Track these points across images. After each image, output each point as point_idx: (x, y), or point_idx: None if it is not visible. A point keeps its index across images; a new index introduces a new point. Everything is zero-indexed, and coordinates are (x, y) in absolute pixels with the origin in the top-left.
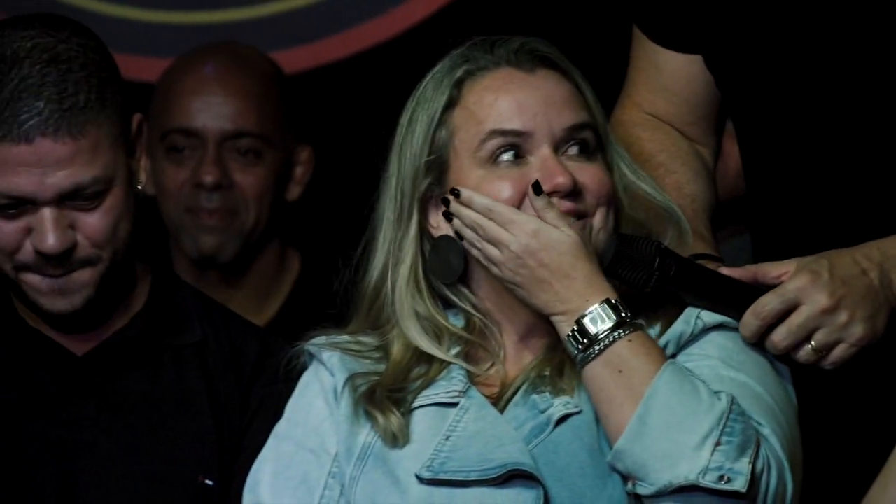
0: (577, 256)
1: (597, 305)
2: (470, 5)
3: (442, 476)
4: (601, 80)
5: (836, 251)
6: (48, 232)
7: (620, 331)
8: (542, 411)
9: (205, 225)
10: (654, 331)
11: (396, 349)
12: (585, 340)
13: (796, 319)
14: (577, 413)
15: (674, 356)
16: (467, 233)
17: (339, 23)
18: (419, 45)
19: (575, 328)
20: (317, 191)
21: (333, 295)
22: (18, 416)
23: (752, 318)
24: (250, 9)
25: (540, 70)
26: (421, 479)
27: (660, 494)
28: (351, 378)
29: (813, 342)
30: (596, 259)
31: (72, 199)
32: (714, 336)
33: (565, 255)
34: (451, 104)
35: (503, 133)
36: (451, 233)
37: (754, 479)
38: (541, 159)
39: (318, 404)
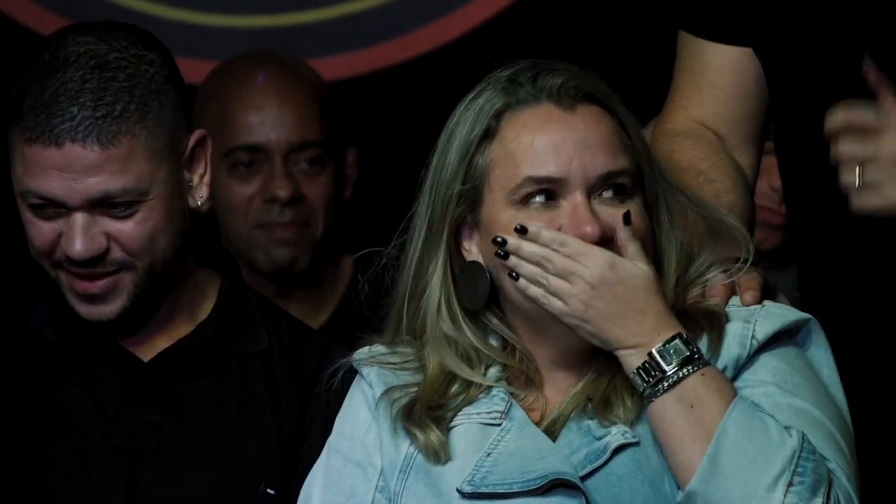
0: (651, 292)
1: (669, 340)
2: (530, 8)
3: (483, 489)
4: (648, 95)
5: None
6: (75, 237)
7: (692, 365)
8: (598, 438)
9: (279, 239)
10: (706, 350)
11: (433, 365)
12: (657, 374)
13: (870, 144)
14: (635, 444)
15: (732, 380)
16: (528, 268)
17: (399, 27)
18: (478, 47)
19: (647, 360)
20: (371, 194)
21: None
22: (84, 422)
23: (841, 113)
24: (311, 12)
25: (581, 107)
26: (462, 494)
27: None
28: (386, 392)
29: (861, 170)
30: (664, 294)
31: (102, 206)
32: (766, 358)
33: (640, 289)
34: (488, 135)
35: (537, 181)
36: (480, 259)
37: None
38: (572, 205)
39: (363, 416)
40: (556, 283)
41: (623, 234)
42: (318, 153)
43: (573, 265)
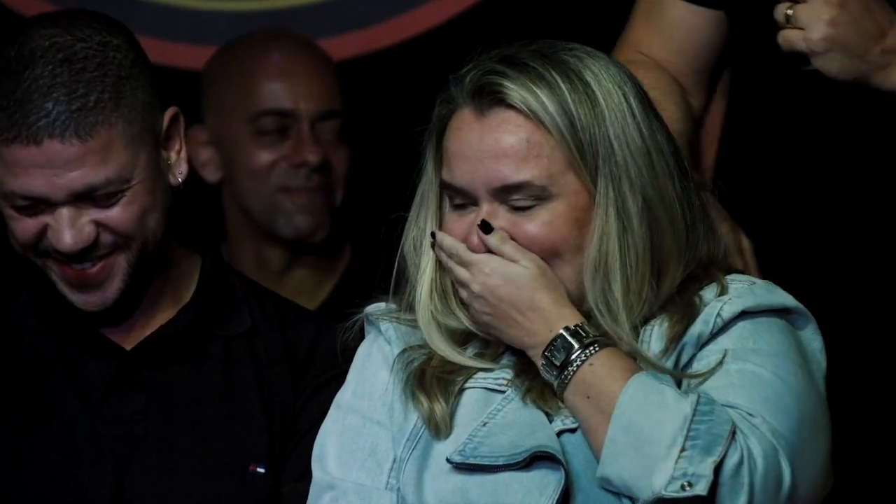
0: (537, 288)
1: (559, 334)
2: None
3: (472, 460)
4: None
5: None
6: (63, 231)
7: (583, 354)
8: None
9: (303, 205)
10: (665, 331)
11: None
12: (555, 371)
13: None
14: (574, 430)
15: (692, 357)
16: (449, 270)
17: (390, 9)
18: (470, 29)
19: (543, 362)
20: (366, 176)
21: (384, 277)
22: (69, 411)
23: None
24: None
25: (494, 112)
26: (452, 464)
27: None
28: (402, 352)
29: (791, 13)
30: (560, 284)
31: (86, 198)
32: (734, 328)
33: (524, 288)
34: (439, 137)
35: (446, 186)
36: None
37: (723, 475)
38: (475, 215)
39: (383, 376)
40: (459, 288)
41: (492, 241)
42: (340, 124)
43: (464, 274)
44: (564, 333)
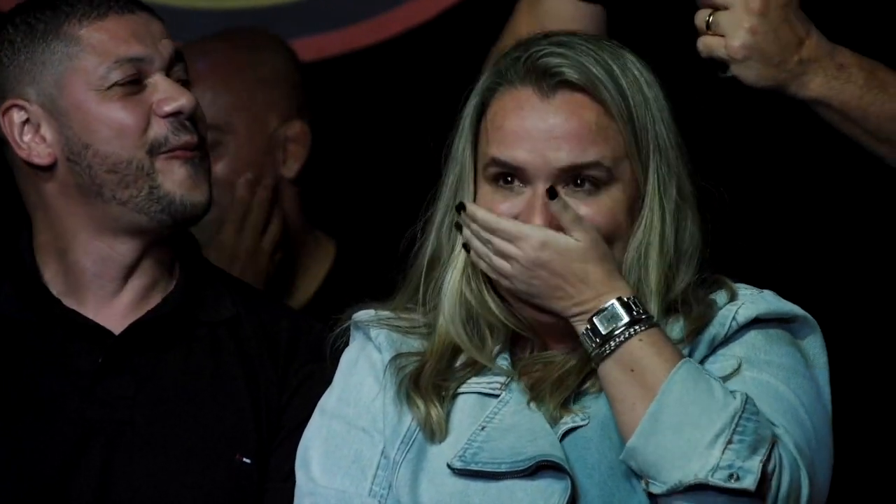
0: (588, 260)
1: (609, 303)
2: None
3: (473, 467)
4: None
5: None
6: (178, 91)
7: (633, 329)
8: (556, 421)
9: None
10: (680, 330)
11: (443, 333)
12: (598, 339)
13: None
14: (584, 426)
15: (705, 358)
16: (475, 244)
17: (370, 8)
18: (451, 29)
19: (588, 327)
20: (354, 179)
21: (369, 281)
22: (57, 396)
23: None
24: None
25: (560, 94)
26: (453, 469)
27: (671, 493)
28: (394, 358)
29: (713, 26)
30: (612, 255)
31: (173, 71)
32: (746, 335)
33: (576, 261)
34: (480, 113)
35: (500, 164)
36: None
37: (765, 479)
38: (531, 195)
39: (369, 382)
40: (497, 262)
41: (554, 207)
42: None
43: (508, 247)
44: (616, 303)
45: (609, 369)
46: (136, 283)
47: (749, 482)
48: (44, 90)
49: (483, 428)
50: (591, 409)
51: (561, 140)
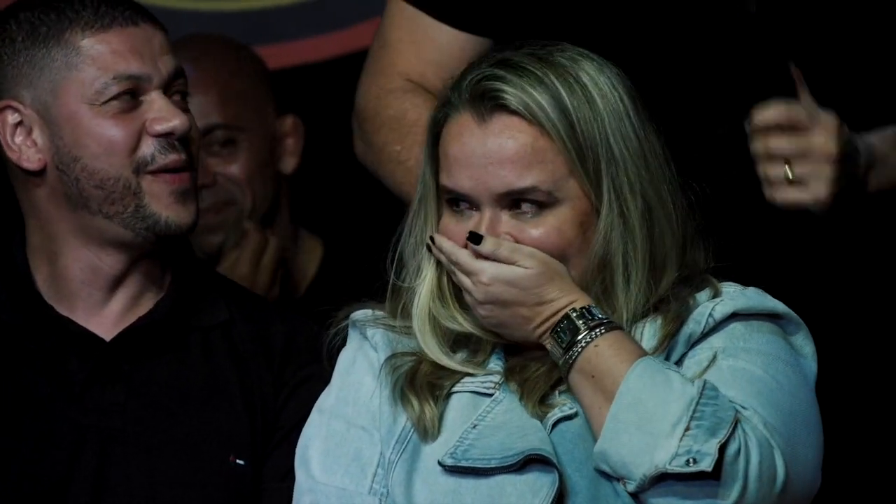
0: (540, 284)
1: (565, 315)
2: None
3: (463, 463)
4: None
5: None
6: (173, 112)
7: (591, 335)
8: (548, 410)
9: (204, 225)
10: (657, 330)
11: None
12: (561, 350)
13: (803, 141)
14: (573, 416)
15: (683, 355)
16: (453, 271)
17: (368, 10)
18: None
19: (551, 342)
20: (340, 180)
21: (357, 283)
22: (48, 404)
23: (774, 110)
24: None
25: (496, 118)
26: (444, 467)
27: (642, 489)
28: (389, 358)
29: (791, 166)
30: (564, 270)
31: (172, 87)
32: (726, 327)
33: (529, 288)
34: (436, 139)
35: (449, 191)
36: None
37: (724, 460)
38: (478, 219)
39: (368, 381)
40: (465, 293)
41: (485, 250)
42: (226, 135)
43: (466, 282)
44: (571, 315)
45: (574, 379)
46: (124, 293)
47: (706, 464)
48: (39, 95)
49: (475, 426)
50: (577, 404)
51: (497, 166)
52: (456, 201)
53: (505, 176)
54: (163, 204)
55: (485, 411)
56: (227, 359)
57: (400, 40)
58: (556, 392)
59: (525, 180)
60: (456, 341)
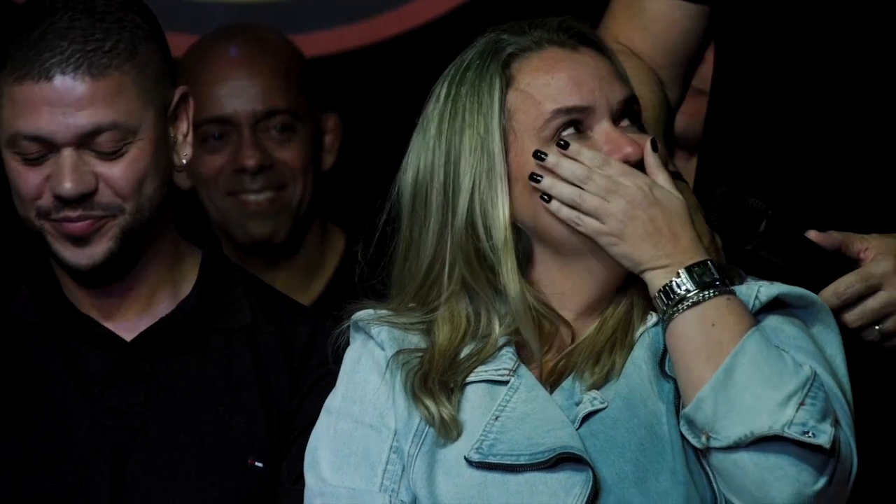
0: (684, 218)
1: (699, 263)
2: None
3: (491, 459)
4: None
5: None
6: (66, 175)
7: (716, 289)
8: (577, 403)
9: (253, 209)
10: None
11: (443, 332)
12: (683, 291)
13: (872, 304)
14: (603, 409)
15: None
16: (564, 189)
17: (388, 1)
18: (471, 20)
19: (675, 278)
20: (360, 167)
21: (379, 271)
22: (69, 403)
23: (832, 297)
24: None
25: (582, 47)
26: (470, 462)
27: (738, 445)
28: (396, 354)
29: (880, 326)
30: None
31: (91, 143)
32: (771, 320)
33: (675, 214)
34: (504, 87)
35: (566, 111)
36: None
37: (836, 443)
38: (604, 133)
39: (374, 379)
40: (593, 202)
41: (653, 161)
42: (286, 120)
43: (614, 184)
44: (710, 264)
45: (687, 323)
46: (134, 296)
47: (824, 439)
48: None
49: (497, 418)
50: (609, 392)
51: (609, 78)
52: (563, 129)
53: (618, 87)
54: (62, 245)
55: (504, 401)
56: (248, 361)
57: (619, 9)
58: (579, 385)
59: (629, 89)
60: (468, 332)
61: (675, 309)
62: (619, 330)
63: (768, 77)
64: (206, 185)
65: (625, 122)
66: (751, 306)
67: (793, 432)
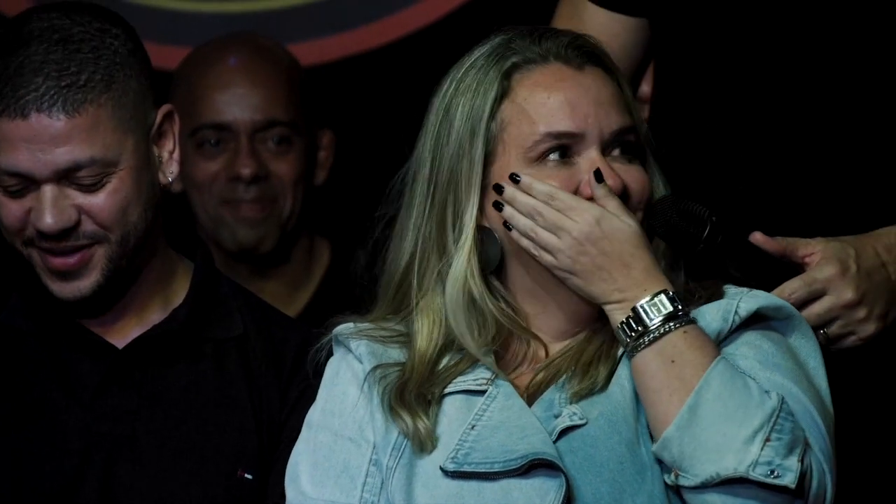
0: (638, 246)
1: (654, 295)
2: None
3: (466, 468)
4: None
5: (857, 238)
6: (45, 211)
7: (675, 322)
8: (556, 416)
9: (245, 218)
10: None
11: (422, 334)
12: (640, 328)
13: (817, 309)
14: (582, 425)
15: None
16: (521, 221)
17: (372, 12)
18: (452, 33)
19: (630, 315)
20: (347, 179)
21: (364, 282)
22: (60, 409)
23: (783, 296)
24: None
25: (588, 67)
26: (445, 472)
27: (704, 486)
28: (373, 369)
29: (826, 331)
30: (653, 252)
31: (71, 178)
32: (749, 336)
33: (626, 244)
34: (500, 96)
35: (556, 136)
36: (486, 224)
37: (802, 478)
38: (589, 161)
39: (353, 392)
40: (544, 236)
41: (598, 192)
42: (284, 132)
43: (562, 219)
44: (663, 296)
45: (647, 360)
46: (126, 309)
47: (789, 479)
48: None
49: (473, 427)
50: (592, 409)
51: (607, 105)
52: (549, 153)
53: (614, 115)
54: (49, 278)
55: (480, 410)
56: (239, 372)
57: (561, 24)
58: (560, 397)
59: (627, 119)
60: (448, 343)
61: (635, 345)
62: (605, 343)
63: (707, 85)
64: (198, 190)
65: (615, 152)
66: (730, 322)
67: (757, 474)
